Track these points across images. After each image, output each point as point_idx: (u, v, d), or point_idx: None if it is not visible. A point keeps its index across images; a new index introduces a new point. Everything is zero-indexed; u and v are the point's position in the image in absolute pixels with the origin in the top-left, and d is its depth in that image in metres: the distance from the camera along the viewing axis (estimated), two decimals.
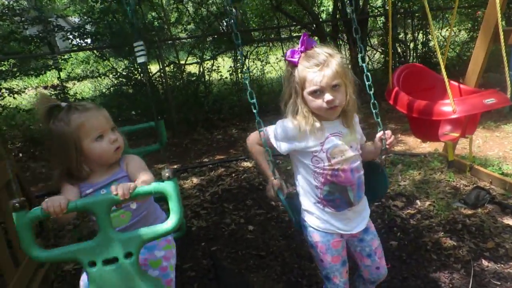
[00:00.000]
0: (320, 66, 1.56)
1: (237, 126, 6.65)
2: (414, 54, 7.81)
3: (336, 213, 1.73)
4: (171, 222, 1.41)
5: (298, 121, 1.65)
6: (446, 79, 2.63)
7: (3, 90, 6.46)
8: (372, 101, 1.77)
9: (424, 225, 3.04)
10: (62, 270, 2.90)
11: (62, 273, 2.87)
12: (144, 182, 1.52)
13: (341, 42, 7.67)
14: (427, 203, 3.35)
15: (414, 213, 3.24)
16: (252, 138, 1.83)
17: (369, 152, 1.84)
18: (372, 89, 1.74)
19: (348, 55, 7.57)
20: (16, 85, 7.00)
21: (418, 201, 3.40)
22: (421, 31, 7.74)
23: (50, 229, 3.50)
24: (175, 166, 4.93)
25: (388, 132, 1.79)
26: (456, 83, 3.11)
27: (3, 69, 7.22)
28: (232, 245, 3.02)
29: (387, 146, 1.79)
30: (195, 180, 4.37)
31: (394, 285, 2.44)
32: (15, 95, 6.59)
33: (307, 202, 1.78)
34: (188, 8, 7.88)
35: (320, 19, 8.10)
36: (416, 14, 7.63)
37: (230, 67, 7.31)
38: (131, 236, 1.40)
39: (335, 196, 1.70)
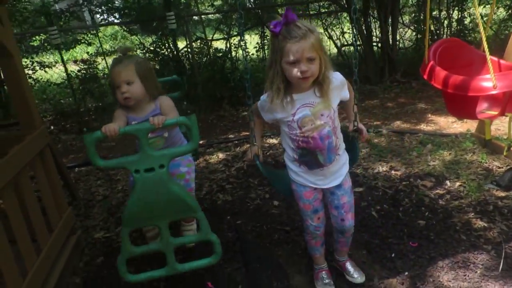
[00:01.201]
0: (298, 38, 1.71)
1: None
2: (448, 32, 7.49)
3: (309, 171, 2.00)
4: (190, 145, 1.96)
5: (272, 94, 1.83)
6: (487, 52, 2.49)
7: (35, 64, 6.62)
8: (353, 78, 1.93)
9: (454, 205, 2.97)
10: (93, 238, 3.00)
11: (92, 241, 2.97)
12: (172, 117, 2.03)
13: (371, 19, 7.41)
14: (457, 183, 3.26)
15: (443, 193, 3.16)
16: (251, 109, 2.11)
17: (348, 114, 2.12)
18: (356, 68, 1.92)
19: (378, 33, 7.33)
20: (47, 59, 7.16)
21: (447, 182, 3.31)
22: (456, 8, 7.40)
23: (81, 199, 3.62)
24: (201, 142, 4.96)
25: (365, 134, 2.05)
26: (496, 59, 2.95)
27: (35, 44, 7.38)
28: (257, 219, 3.04)
29: (360, 140, 2.12)
30: (220, 155, 4.39)
31: (420, 263, 2.41)
32: (47, 69, 6.74)
33: (288, 160, 2.08)
34: None
35: None
36: None
37: (257, 43, 7.22)
38: (163, 153, 1.88)
39: (307, 158, 1.96)
